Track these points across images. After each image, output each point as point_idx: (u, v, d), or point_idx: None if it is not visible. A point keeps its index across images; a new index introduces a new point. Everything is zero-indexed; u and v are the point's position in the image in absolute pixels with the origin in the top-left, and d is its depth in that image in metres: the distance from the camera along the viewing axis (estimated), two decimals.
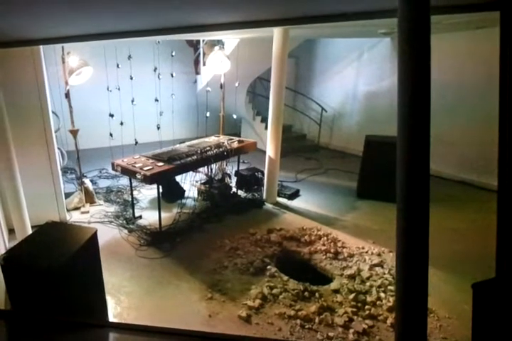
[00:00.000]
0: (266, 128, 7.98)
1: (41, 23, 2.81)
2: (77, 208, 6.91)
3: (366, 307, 4.21)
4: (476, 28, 7.04)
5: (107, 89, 8.00)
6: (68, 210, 6.70)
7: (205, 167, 7.03)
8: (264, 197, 7.42)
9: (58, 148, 6.55)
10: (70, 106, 6.47)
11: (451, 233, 5.87)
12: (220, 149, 6.71)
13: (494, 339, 1.57)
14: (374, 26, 6.61)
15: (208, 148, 6.57)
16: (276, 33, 6.37)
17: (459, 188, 8.09)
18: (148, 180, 5.61)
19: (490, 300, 1.59)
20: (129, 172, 5.90)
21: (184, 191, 7.41)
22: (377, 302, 4.28)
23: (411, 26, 1.15)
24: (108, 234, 5.95)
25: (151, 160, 6.07)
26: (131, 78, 8.05)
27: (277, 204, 7.33)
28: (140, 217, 6.58)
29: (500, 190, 1.49)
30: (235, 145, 7.08)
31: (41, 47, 5.55)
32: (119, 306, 4.26)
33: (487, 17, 4.94)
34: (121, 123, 7.84)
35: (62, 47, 6.22)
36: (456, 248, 5.44)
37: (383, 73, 9.92)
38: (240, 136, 9.64)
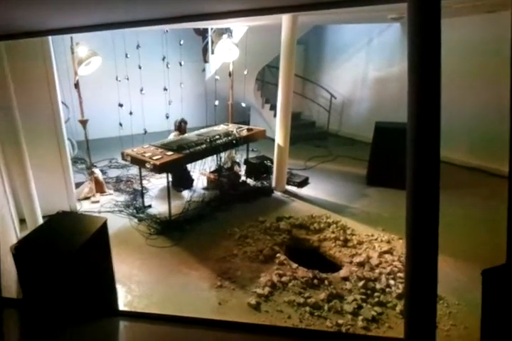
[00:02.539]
0: (275, 116, 7.96)
1: (50, 13, 2.81)
2: (87, 198, 6.95)
3: (375, 294, 4.22)
4: (487, 12, 6.94)
5: (116, 78, 7.97)
6: (79, 200, 6.74)
7: (214, 155, 7.04)
8: (273, 185, 7.42)
9: (68, 139, 6.57)
10: (80, 97, 6.47)
11: (461, 219, 5.85)
12: (229, 137, 6.71)
13: (504, 327, 1.56)
14: (384, 11, 6.54)
15: (217, 137, 6.57)
16: (285, 20, 6.32)
17: (470, 174, 8.06)
18: (158, 169, 5.63)
19: (500, 286, 1.58)
20: (138, 161, 5.92)
21: (193, 180, 7.43)
22: (387, 290, 4.29)
23: (421, 11, 1.13)
24: (118, 224, 5.99)
25: (160, 150, 6.08)
26: (140, 67, 8.01)
27: (286, 192, 7.33)
28: (150, 206, 6.61)
29: (511, 176, 1.48)
30: (244, 133, 7.07)
31: (50, 37, 5.54)
32: (130, 294, 4.29)
33: (498, 0, 4.88)
34: (131, 113, 7.82)
35: (71, 38, 6.21)
36: (466, 234, 5.43)
37: (393, 59, 9.85)
38: (248, 124, 9.62)
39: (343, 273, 4.66)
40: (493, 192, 6.53)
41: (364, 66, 10.97)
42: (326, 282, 4.42)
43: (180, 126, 7.49)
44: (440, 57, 1.13)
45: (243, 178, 7.73)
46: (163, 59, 8.14)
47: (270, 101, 11.31)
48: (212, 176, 7.45)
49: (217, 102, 8.52)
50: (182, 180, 7.34)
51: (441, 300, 4.09)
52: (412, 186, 1.21)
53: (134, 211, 6.41)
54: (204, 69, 11.83)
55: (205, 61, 11.88)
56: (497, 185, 6.82)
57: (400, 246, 5.19)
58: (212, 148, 6.39)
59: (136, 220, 6.12)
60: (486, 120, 7.67)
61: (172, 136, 7.37)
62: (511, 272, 1.54)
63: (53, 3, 2.32)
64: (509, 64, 1.45)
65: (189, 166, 7.20)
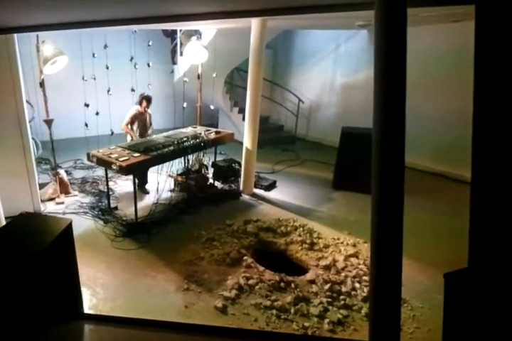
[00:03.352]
0: (243, 119, 7.97)
1: (16, 11, 2.76)
2: (51, 199, 6.83)
3: (341, 297, 4.26)
4: (453, 21, 7.08)
5: (83, 78, 7.88)
6: (43, 201, 6.61)
7: (182, 158, 7.00)
8: (241, 188, 7.43)
9: (32, 138, 6.45)
10: (45, 96, 6.36)
11: (425, 224, 5.94)
12: (197, 140, 6.69)
13: (465, 329, 1.60)
14: (351, 18, 6.62)
15: (184, 139, 6.54)
16: (254, 23, 6.34)
17: (433, 180, 8.19)
18: (124, 170, 5.58)
19: (461, 289, 1.62)
20: (104, 163, 5.85)
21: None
22: (352, 293, 4.34)
23: (387, 18, 1.15)
24: (83, 225, 5.90)
25: (127, 151, 6.03)
26: (107, 68, 7.93)
27: (254, 195, 7.33)
28: (116, 208, 6.53)
29: (473, 182, 1.51)
30: (212, 136, 7.06)
31: (15, 35, 5.44)
32: (95, 298, 4.24)
33: (463, 10, 4.98)
34: (97, 113, 7.72)
35: (37, 36, 6.10)
36: (429, 238, 5.51)
37: (360, 65, 9.95)
38: (217, 127, 9.59)
39: (309, 276, 4.68)
40: (456, 197, 6.64)
41: (331, 71, 11.06)
42: (293, 285, 4.44)
43: (141, 103, 7.11)
44: (405, 64, 1.16)
45: (211, 181, 7.70)
46: (131, 59, 8.07)
47: (239, 105, 11.30)
48: (179, 178, 7.41)
49: (185, 104, 8.49)
50: (144, 178, 7.29)
51: (405, 303, 4.15)
52: (376, 190, 1.23)
53: (100, 213, 6.33)
54: (172, 71, 11.77)
55: (174, 63, 11.83)
56: (460, 190, 6.94)
57: (365, 249, 5.24)
58: (180, 150, 6.36)
59: (101, 222, 6.05)
60: (450, 127, 7.81)
61: (133, 110, 7.12)
62: (472, 275, 1.58)
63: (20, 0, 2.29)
64: (473, 73, 1.49)
65: (156, 168, 7.14)
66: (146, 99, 7.08)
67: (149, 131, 7.35)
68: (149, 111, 7.30)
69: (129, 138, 7.10)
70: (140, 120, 7.09)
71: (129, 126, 7.04)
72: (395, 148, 1.17)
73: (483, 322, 1.55)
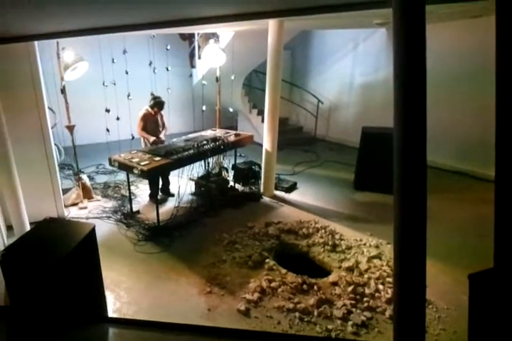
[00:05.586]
0: (262, 121, 7.96)
1: (37, 18, 2.79)
2: (74, 204, 6.90)
3: (365, 299, 4.22)
4: (472, 17, 7.00)
5: (103, 84, 7.95)
6: (66, 206, 6.68)
7: (202, 161, 7.01)
8: (262, 190, 7.42)
9: (55, 144, 6.52)
10: (66, 102, 6.44)
11: (448, 223, 5.88)
12: (217, 143, 6.70)
13: (491, 331, 1.57)
14: (369, 17, 6.59)
15: (204, 142, 6.55)
16: (272, 25, 6.33)
17: (456, 179, 8.10)
18: (146, 174, 5.60)
19: (486, 290, 1.59)
20: (126, 167, 5.88)
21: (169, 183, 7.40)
22: (376, 294, 4.29)
23: (406, 16, 1.13)
24: (106, 230, 5.95)
25: (148, 155, 6.05)
26: (127, 73, 7.99)
27: (275, 197, 7.32)
28: (138, 211, 6.57)
29: (498, 180, 1.48)
30: (232, 138, 7.07)
31: (36, 42, 5.51)
32: (119, 301, 4.26)
33: (483, 5, 4.91)
34: (118, 118, 7.78)
35: (57, 43, 6.18)
36: (454, 238, 5.44)
37: (379, 64, 9.90)
38: (236, 130, 9.62)
39: (332, 278, 4.65)
40: (480, 196, 6.57)
41: (350, 71, 11.01)
42: (316, 287, 4.41)
43: (153, 107, 6.89)
44: (425, 61, 1.14)
45: (231, 184, 7.71)
46: (150, 64, 8.13)
47: (258, 107, 11.32)
48: (200, 182, 7.42)
49: (204, 107, 8.52)
50: (166, 181, 7.33)
51: (430, 305, 4.09)
52: (399, 190, 1.21)
53: (122, 217, 6.38)
54: (191, 75, 11.84)
55: (192, 66, 11.90)
56: (483, 189, 6.86)
57: (388, 250, 5.20)
58: (200, 153, 6.38)
59: (124, 226, 6.08)
60: (472, 124, 7.72)
61: (143, 111, 6.91)
62: (498, 276, 1.54)
63: (40, 8, 2.31)
64: (495, 68, 1.46)
65: (177, 172, 7.15)
66: (158, 106, 6.88)
67: (163, 133, 7.15)
68: (162, 112, 7.12)
69: (143, 144, 7.06)
70: (151, 121, 6.98)
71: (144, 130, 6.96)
72: (417, 147, 1.15)
73: (510, 324, 1.52)
